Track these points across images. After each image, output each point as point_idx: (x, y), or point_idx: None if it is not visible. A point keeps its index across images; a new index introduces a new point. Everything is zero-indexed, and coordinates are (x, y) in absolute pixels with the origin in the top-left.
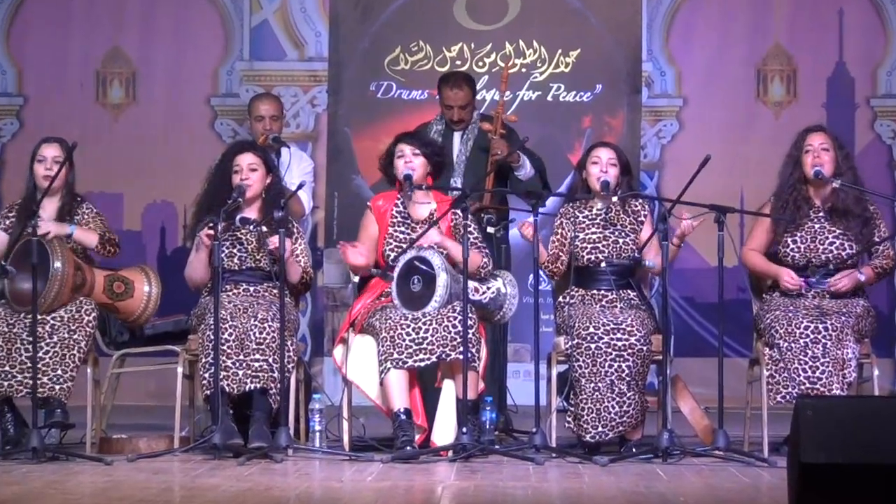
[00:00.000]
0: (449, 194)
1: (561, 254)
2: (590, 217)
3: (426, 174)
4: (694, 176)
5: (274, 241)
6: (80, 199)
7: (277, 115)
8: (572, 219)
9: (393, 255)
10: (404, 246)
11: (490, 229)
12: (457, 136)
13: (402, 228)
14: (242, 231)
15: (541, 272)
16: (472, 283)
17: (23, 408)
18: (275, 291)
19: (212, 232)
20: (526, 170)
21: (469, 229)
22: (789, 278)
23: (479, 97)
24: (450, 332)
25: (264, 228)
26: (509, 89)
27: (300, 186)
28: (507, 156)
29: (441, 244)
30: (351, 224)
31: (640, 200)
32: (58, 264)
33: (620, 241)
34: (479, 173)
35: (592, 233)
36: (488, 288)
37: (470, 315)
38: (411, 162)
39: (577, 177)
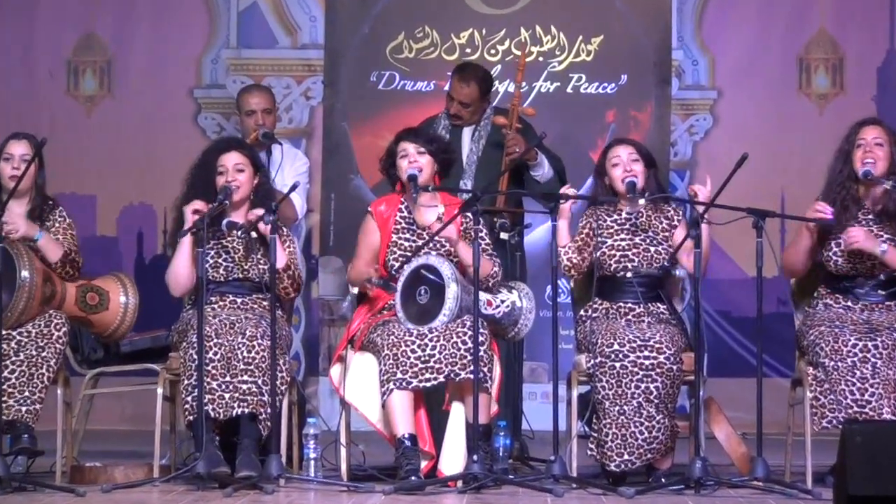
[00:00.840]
0: (458, 196)
1: (584, 251)
2: (618, 222)
3: (433, 174)
4: (729, 176)
5: (256, 213)
6: (53, 202)
7: (269, 109)
8: (598, 222)
9: (397, 265)
10: (409, 255)
11: (503, 235)
12: (467, 132)
13: (407, 235)
14: (228, 238)
15: (560, 281)
16: (484, 296)
17: None
18: (264, 304)
19: (200, 207)
20: (544, 169)
21: (480, 235)
22: (820, 207)
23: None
24: (459, 350)
25: (253, 235)
26: (525, 80)
27: (293, 188)
28: (523, 153)
29: (452, 242)
30: (349, 229)
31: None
32: (25, 273)
33: (652, 249)
34: (492, 173)
35: (621, 239)
36: (502, 301)
37: (482, 331)
38: (416, 161)
39: (598, 183)
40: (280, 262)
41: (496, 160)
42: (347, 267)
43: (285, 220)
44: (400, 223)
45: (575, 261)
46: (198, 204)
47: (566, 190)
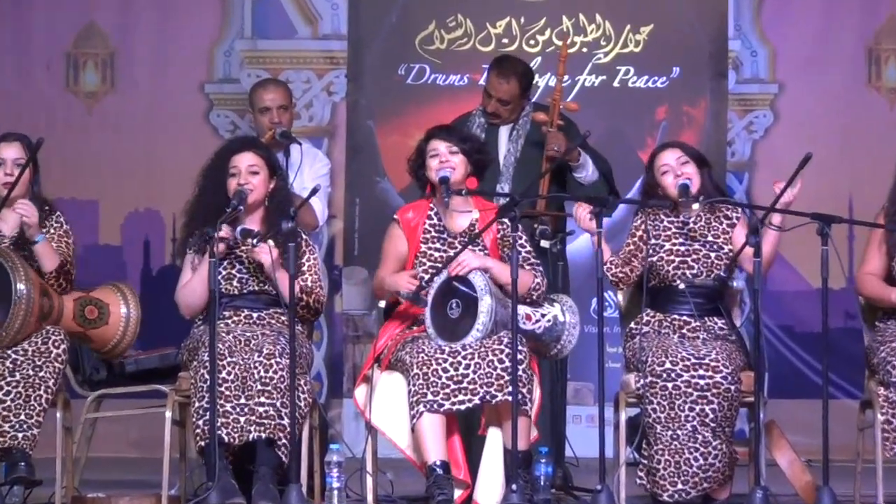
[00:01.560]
0: (494, 201)
1: (634, 259)
2: (676, 225)
3: (466, 176)
4: (792, 178)
5: (256, 251)
6: (50, 207)
7: (286, 106)
8: (651, 225)
9: (427, 276)
10: (440, 265)
11: (544, 243)
12: (504, 131)
13: (438, 245)
14: (243, 247)
15: (606, 294)
16: (523, 309)
17: None
18: (283, 318)
19: (226, 234)
20: (588, 171)
21: (519, 244)
22: None
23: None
24: (496, 369)
25: (270, 243)
26: (567, 73)
27: (313, 192)
28: (565, 153)
29: (482, 267)
30: (375, 237)
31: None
32: (21, 287)
33: (712, 255)
34: (532, 176)
35: (680, 244)
36: (543, 315)
37: (520, 348)
38: (448, 161)
39: (645, 195)
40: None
41: (536, 161)
42: (375, 276)
43: (305, 228)
44: (429, 231)
45: (622, 274)
46: (224, 232)
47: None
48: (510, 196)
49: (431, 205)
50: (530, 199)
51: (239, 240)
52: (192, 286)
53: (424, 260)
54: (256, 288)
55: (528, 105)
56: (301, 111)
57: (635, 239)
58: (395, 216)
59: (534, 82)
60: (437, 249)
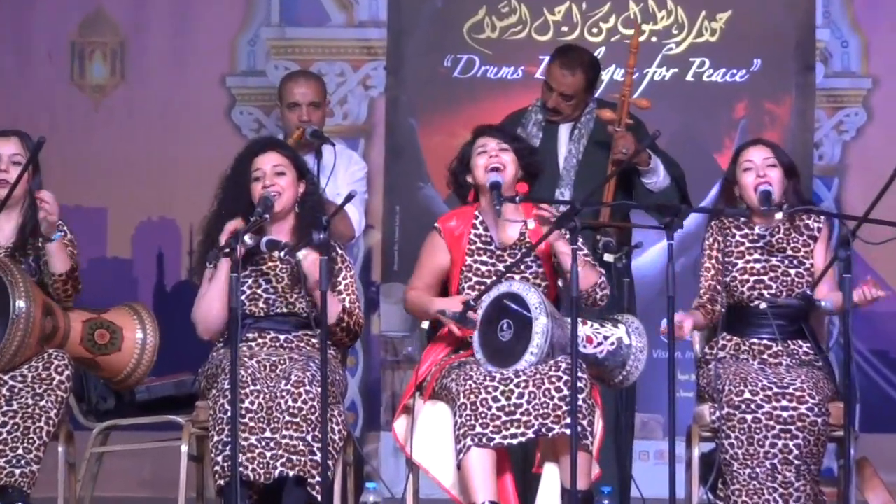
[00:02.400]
0: (553, 209)
1: (716, 293)
2: (750, 238)
3: (516, 180)
4: (887, 185)
5: (311, 258)
6: None
7: (318, 102)
8: (725, 239)
9: (473, 294)
10: (488, 281)
11: (608, 257)
12: (564, 130)
13: (485, 258)
14: (270, 262)
15: (678, 314)
16: (584, 331)
17: None
18: (313, 341)
19: (238, 224)
20: (658, 176)
21: (580, 253)
22: None
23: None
24: (552, 399)
25: (299, 255)
26: (636, 65)
27: (349, 198)
28: (633, 155)
29: (558, 247)
30: (417, 250)
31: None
32: (21, 304)
33: (792, 272)
34: (595, 181)
35: (755, 260)
36: (606, 338)
37: (580, 374)
38: (497, 157)
39: (724, 194)
40: (332, 314)
41: (600, 164)
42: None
43: (339, 239)
44: (475, 242)
45: (708, 314)
46: (232, 224)
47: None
48: (571, 203)
49: (477, 213)
50: (593, 206)
51: (266, 252)
52: (210, 301)
53: (471, 275)
54: (285, 310)
55: (593, 101)
56: (334, 108)
57: (712, 262)
58: (435, 224)
59: (600, 75)
60: (483, 263)
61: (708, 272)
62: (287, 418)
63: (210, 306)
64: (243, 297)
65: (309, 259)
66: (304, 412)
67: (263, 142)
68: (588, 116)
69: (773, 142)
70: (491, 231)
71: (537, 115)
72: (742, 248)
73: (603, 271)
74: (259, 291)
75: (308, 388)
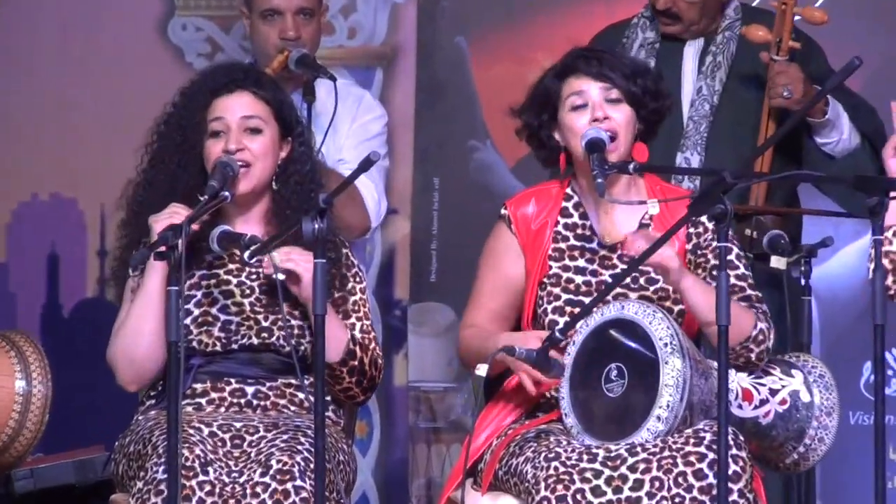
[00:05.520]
0: (683, 184)
1: None
2: None
3: (633, 140)
4: None
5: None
6: None
7: (310, 9)
8: None
9: (560, 321)
10: (586, 300)
11: (775, 262)
12: (690, 52)
13: (581, 262)
14: (231, 264)
15: (890, 353)
16: (737, 382)
17: None
18: (300, 397)
19: (179, 208)
20: (842, 133)
21: (730, 258)
22: None
23: None
24: (689, 490)
25: (276, 256)
26: None
27: (363, 166)
28: (801, 100)
29: (668, 273)
30: (467, 248)
31: None
32: None
33: None
34: (743, 138)
35: None
36: (773, 392)
37: (734, 452)
38: (606, 116)
39: None
40: (334, 349)
41: (750, 112)
42: (460, 326)
43: (345, 232)
44: (566, 237)
45: None
46: (176, 208)
47: None
48: (716, 173)
49: (569, 191)
50: (745, 182)
51: (220, 253)
52: (135, 329)
53: (558, 291)
54: (255, 341)
55: (734, 10)
56: (336, 19)
57: None
58: (503, 209)
59: None
60: (580, 271)
61: None
62: None
63: (136, 339)
64: (188, 322)
65: (292, 264)
66: None
67: (228, 73)
68: (728, 34)
69: None
70: (591, 220)
71: (646, 33)
72: None
73: (764, 308)
74: (214, 312)
75: (298, 481)
